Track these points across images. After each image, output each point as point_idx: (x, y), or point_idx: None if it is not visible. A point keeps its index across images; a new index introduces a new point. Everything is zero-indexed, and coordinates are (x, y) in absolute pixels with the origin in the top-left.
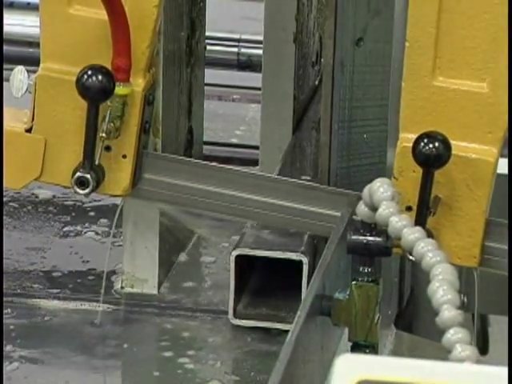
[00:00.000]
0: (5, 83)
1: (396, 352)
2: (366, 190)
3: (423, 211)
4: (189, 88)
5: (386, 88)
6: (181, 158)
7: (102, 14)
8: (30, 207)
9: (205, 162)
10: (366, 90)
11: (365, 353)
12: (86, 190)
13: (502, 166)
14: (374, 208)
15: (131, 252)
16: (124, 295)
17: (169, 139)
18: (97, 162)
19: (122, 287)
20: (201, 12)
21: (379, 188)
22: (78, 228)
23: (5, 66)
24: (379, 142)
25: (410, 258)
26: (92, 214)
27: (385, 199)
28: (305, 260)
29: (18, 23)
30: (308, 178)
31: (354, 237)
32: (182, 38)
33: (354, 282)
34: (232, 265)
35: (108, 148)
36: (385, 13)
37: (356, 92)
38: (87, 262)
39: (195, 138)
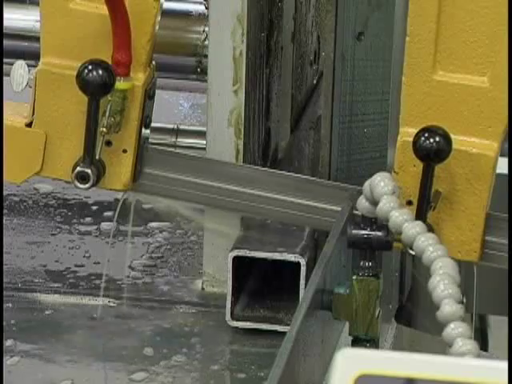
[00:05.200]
0: (5, 78)
1: (396, 346)
2: (366, 184)
3: (424, 205)
4: (267, 89)
5: (387, 82)
6: (181, 152)
7: (103, 9)
8: (30, 201)
9: (205, 157)
10: (367, 84)
11: (365, 347)
12: (87, 185)
13: (503, 166)
14: (374, 202)
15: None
16: (125, 289)
17: (250, 140)
18: (97, 157)
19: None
20: (278, 13)
21: (380, 182)
22: (79, 222)
23: (5, 61)
24: (380, 137)
25: (411, 252)
26: (93, 208)
27: (385, 193)
28: (302, 261)
29: (17, 17)
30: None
31: (354, 231)
32: (263, 39)
33: (354, 277)
34: (229, 266)
35: (108, 143)
36: (385, 7)
37: (357, 86)
38: (88, 256)
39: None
